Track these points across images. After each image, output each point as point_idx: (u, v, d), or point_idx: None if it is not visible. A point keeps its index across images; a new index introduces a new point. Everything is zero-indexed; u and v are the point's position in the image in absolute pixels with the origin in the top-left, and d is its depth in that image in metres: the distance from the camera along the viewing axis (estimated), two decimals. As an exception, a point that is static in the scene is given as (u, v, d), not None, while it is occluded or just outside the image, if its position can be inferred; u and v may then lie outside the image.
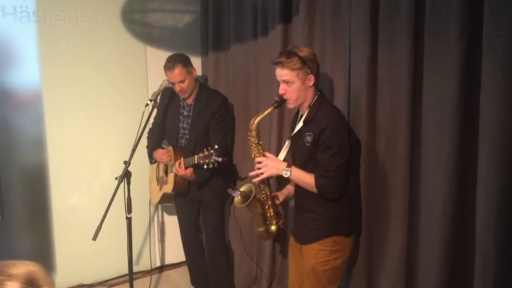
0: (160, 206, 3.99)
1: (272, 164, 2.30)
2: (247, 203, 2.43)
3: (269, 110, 2.34)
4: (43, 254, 3.59)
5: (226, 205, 3.44)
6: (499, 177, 1.77)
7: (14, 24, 3.29)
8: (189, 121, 3.13)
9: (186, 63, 3.02)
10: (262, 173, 2.31)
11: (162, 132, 3.33)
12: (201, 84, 3.20)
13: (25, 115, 3.42)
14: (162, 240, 4.06)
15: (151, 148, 3.32)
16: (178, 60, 2.97)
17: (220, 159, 2.64)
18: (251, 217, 2.54)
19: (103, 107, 3.65)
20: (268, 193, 2.48)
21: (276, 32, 2.95)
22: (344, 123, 2.23)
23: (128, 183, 2.75)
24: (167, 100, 3.24)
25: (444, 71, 1.98)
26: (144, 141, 3.23)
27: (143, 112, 2.83)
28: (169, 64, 2.97)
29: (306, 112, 2.26)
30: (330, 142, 2.13)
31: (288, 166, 2.25)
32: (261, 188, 2.48)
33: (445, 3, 1.95)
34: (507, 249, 1.81)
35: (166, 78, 3.05)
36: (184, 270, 3.79)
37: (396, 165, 2.27)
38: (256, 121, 2.37)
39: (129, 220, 2.76)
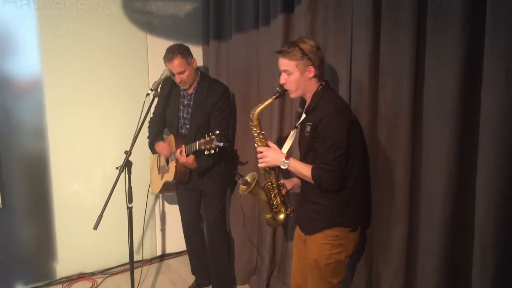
0: (161, 195, 4.00)
1: (271, 155, 2.32)
2: (249, 190, 2.45)
3: (270, 100, 2.36)
4: (44, 242, 3.61)
5: (226, 194, 3.45)
6: (500, 171, 1.76)
7: (14, 12, 3.27)
8: (189, 110, 3.12)
9: (186, 54, 2.99)
10: (262, 163, 2.34)
11: (163, 121, 3.32)
12: (202, 74, 3.18)
13: (25, 103, 3.41)
14: (163, 229, 4.09)
15: (152, 140, 3.32)
16: (177, 51, 2.95)
17: (221, 144, 2.63)
18: (259, 205, 2.56)
19: (103, 96, 3.65)
20: (273, 182, 2.49)
21: (278, 21, 2.93)
22: (344, 115, 2.18)
23: (129, 173, 2.75)
24: (168, 89, 3.23)
25: (446, 63, 1.96)
26: (145, 131, 3.23)
27: (144, 101, 2.83)
28: (169, 56, 2.95)
29: (309, 102, 2.27)
30: (326, 133, 2.12)
31: (287, 157, 2.27)
32: (266, 177, 2.49)
33: (448, -6, 1.93)
34: (507, 243, 1.80)
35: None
36: (185, 259, 3.81)
37: (397, 158, 2.26)
38: (256, 112, 2.38)
39: (130, 209, 2.76)
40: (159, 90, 3.01)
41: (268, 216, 2.52)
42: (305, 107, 2.30)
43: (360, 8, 2.35)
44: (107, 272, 3.81)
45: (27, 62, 3.38)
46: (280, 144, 2.49)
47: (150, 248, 3.78)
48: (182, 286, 3.59)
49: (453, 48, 1.92)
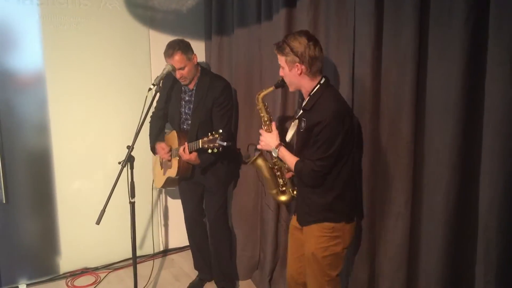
0: (163, 190, 4.00)
1: (267, 140, 2.44)
2: (252, 160, 2.66)
3: (271, 89, 2.50)
4: (48, 237, 3.62)
5: (229, 190, 3.45)
6: (503, 163, 1.76)
7: (17, 7, 3.27)
8: (191, 106, 3.12)
9: (186, 50, 2.98)
10: (259, 146, 2.47)
11: (165, 116, 3.32)
12: (203, 69, 3.17)
13: (28, 98, 3.41)
14: (165, 224, 4.09)
15: (153, 142, 3.30)
16: (177, 47, 2.94)
17: (225, 143, 2.66)
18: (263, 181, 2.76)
19: (106, 91, 3.65)
20: (278, 163, 2.62)
21: (280, 16, 2.92)
22: (342, 117, 2.14)
23: (132, 168, 2.75)
24: (170, 84, 3.22)
25: (449, 56, 1.95)
26: (147, 126, 3.23)
27: (146, 96, 2.83)
28: (169, 51, 2.94)
29: (306, 100, 2.27)
30: (320, 135, 2.13)
31: (278, 146, 2.35)
32: (272, 157, 2.57)
33: (451, -14, 1.92)
34: (510, 236, 1.80)
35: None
36: (188, 254, 3.81)
37: (400, 151, 2.25)
38: (261, 96, 2.53)
39: (132, 204, 2.76)
40: (161, 85, 3.00)
41: (274, 191, 2.68)
42: (303, 104, 2.31)
43: (363, 2, 2.34)
44: (111, 267, 3.81)
45: (29, 58, 3.38)
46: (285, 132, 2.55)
47: (153, 243, 3.78)
48: (185, 280, 3.59)
49: (456, 40, 1.91)
